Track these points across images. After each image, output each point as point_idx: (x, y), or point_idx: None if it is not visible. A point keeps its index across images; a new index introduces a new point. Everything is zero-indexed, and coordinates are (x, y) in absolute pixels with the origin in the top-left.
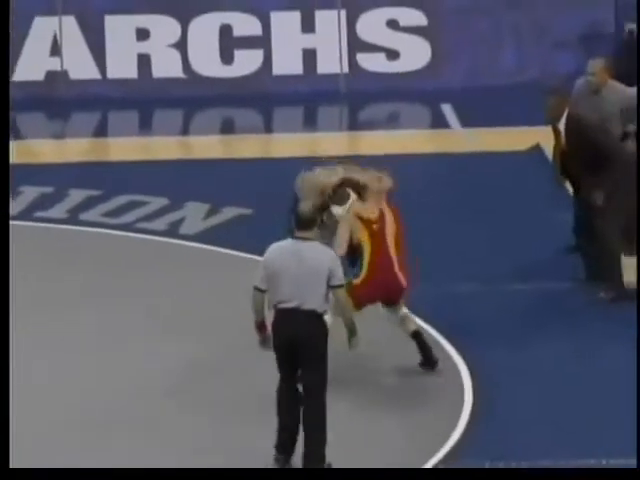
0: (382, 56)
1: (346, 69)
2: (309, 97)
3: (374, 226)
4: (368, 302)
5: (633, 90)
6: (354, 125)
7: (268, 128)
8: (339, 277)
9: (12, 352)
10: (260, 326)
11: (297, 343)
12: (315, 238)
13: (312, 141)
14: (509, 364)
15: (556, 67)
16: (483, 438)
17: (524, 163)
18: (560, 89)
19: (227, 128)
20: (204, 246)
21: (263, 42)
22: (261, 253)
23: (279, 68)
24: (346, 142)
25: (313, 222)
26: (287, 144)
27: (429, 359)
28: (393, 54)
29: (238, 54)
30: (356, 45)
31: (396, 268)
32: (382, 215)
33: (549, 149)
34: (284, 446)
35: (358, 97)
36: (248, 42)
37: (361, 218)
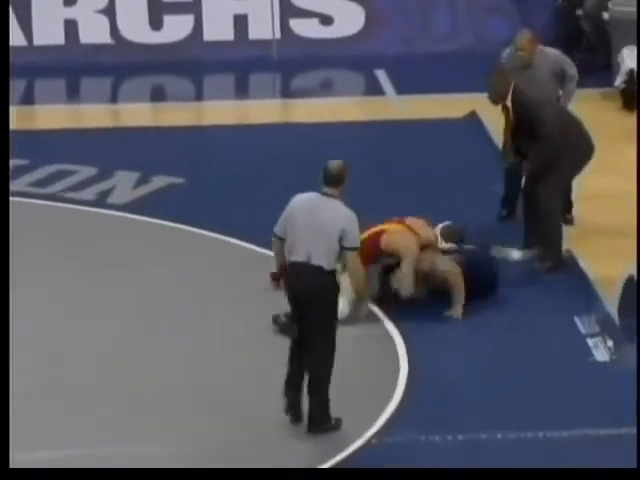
0: (315, 22)
1: (278, 35)
2: (241, 64)
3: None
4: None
5: (558, 52)
6: (287, 92)
7: (199, 96)
8: (352, 240)
9: None
10: (281, 267)
11: (301, 298)
12: (339, 197)
13: (244, 109)
14: (443, 334)
15: (490, 33)
16: (419, 411)
17: (459, 130)
18: (504, 66)
19: (157, 96)
20: (133, 216)
21: (193, 7)
22: (192, 223)
23: (210, 34)
24: (279, 110)
25: (339, 180)
26: (218, 112)
27: None
28: (326, 19)
29: (167, 20)
30: (288, 10)
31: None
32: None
33: (484, 116)
34: (290, 405)
35: (291, 64)
36: (178, 7)
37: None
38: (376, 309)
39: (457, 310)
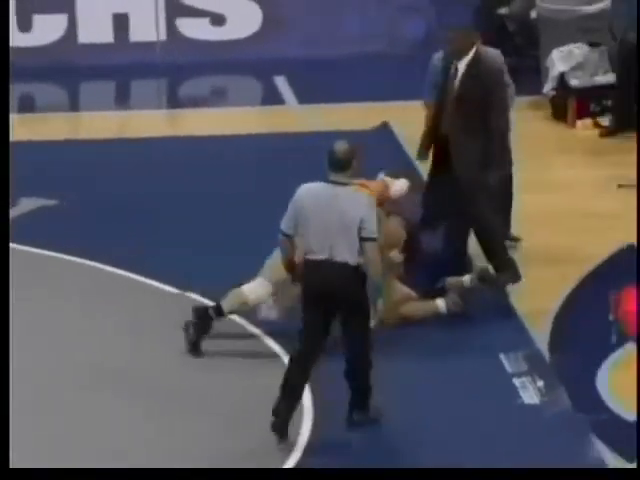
0: (206, 22)
1: (164, 37)
2: (121, 69)
3: None
4: None
5: (497, 52)
6: (174, 101)
7: (74, 105)
8: (370, 230)
9: None
10: (289, 266)
11: (331, 299)
12: (349, 182)
13: (125, 120)
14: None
15: (405, 34)
16: (320, 460)
17: (369, 143)
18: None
19: (25, 105)
20: None
21: (66, 6)
22: (65, 251)
23: (85, 36)
24: (165, 121)
25: (348, 163)
26: (96, 124)
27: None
28: (218, 19)
29: (37, 19)
30: (175, 9)
31: None
32: None
33: (398, 127)
34: (280, 411)
35: (178, 69)
36: (49, 6)
37: None
38: (273, 342)
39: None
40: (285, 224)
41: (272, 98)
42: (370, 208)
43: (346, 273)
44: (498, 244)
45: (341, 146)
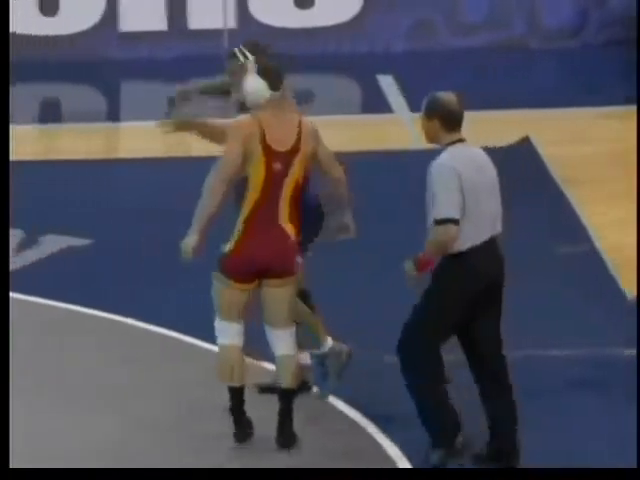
0: (289, 3)
1: (233, 23)
2: (176, 63)
3: (278, 164)
4: (244, 270)
5: None
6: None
7: (109, 113)
8: None
9: None
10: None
11: (494, 283)
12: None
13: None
14: None
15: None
16: None
17: (508, 163)
18: None
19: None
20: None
21: None
22: (95, 304)
23: (128, 23)
24: None
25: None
26: (134, 138)
27: (284, 435)
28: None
29: (64, 3)
30: None
31: (282, 220)
32: (297, 142)
33: (540, 142)
34: (451, 440)
35: None
36: None
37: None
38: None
39: None
40: (453, 209)
41: (375, 104)
42: None
43: (501, 248)
44: None
45: (451, 96)
